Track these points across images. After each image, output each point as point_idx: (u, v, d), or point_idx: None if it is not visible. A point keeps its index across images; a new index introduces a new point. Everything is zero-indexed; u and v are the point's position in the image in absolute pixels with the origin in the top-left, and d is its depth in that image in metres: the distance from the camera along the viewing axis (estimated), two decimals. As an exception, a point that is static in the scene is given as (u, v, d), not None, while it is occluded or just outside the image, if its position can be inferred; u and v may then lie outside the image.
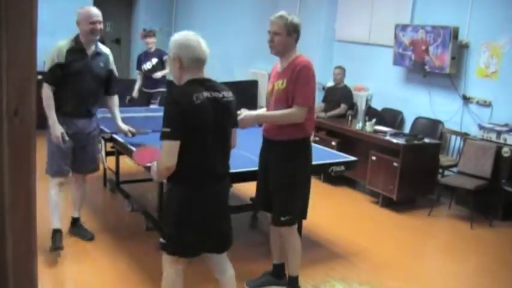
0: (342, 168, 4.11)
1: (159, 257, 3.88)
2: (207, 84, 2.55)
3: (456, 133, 5.96)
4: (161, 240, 2.64)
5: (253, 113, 3.22)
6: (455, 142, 6.00)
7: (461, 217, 5.28)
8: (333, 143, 5.86)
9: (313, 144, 4.76)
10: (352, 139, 5.87)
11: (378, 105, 6.81)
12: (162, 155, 2.44)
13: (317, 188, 5.78)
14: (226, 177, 2.68)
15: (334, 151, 4.73)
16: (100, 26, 3.71)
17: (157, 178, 2.64)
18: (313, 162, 4.16)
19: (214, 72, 10.08)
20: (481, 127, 5.45)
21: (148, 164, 2.77)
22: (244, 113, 3.14)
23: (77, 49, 3.70)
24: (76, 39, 3.73)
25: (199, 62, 2.54)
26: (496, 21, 5.61)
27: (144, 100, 6.86)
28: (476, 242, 4.74)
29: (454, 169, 5.72)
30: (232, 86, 9.26)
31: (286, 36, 3.10)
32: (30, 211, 1.06)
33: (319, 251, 4.29)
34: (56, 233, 3.76)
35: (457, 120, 6.02)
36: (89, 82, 3.73)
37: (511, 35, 5.47)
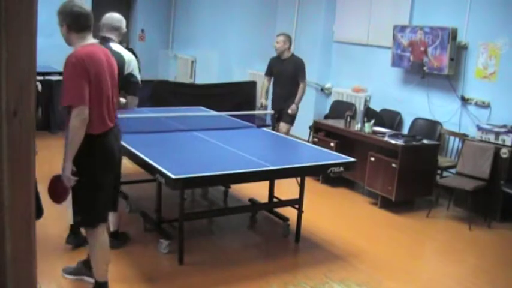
0: (341, 169, 4.11)
1: (157, 257, 3.90)
2: None
3: (455, 134, 5.96)
4: None
5: (65, 164, 2.90)
6: (453, 143, 6.01)
7: (460, 218, 5.28)
8: (332, 144, 5.86)
9: (311, 145, 4.79)
10: (350, 140, 5.87)
11: (376, 106, 6.81)
12: None
13: (315, 189, 5.81)
14: None
15: (333, 152, 4.73)
16: None
17: None
18: (312, 163, 4.19)
19: (213, 72, 10.08)
20: (479, 128, 5.46)
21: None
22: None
23: None
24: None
25: None
26: (495, 22, 5.62)
27: None
28: (474, 243, 4.74)
29: (453, 170, 5.73)
30: (231, 86, 9.26)
31: (60, 28, 2.98)
32: (30, 211, 1.06)
33: (317, 252, 4.29)
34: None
35: (456, 121, 6.03)
36: None
37: (509, 36, 5.47)
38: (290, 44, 6.25)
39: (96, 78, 2.89)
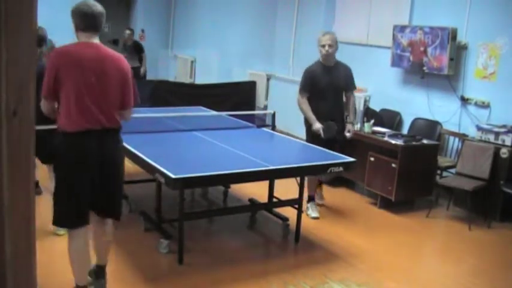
0: (340, 169, 4.11)
1: (157, 257, 3.90)
2: None
3: (454, 134, 5.96)
4: None
5: None
6: (453, 143, 6.01)
7: (460, 218, 5.28)
8: (332, 144, 5.85)
9: (311, 145, 4.78)
10: (350, 140, 5.86)
11: (376, 106, 6.81)
12: None
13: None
14: None
15: (333, 152, 4.72)
16: None
17: None
18: (312, 163, 4.18)
19: (213, 72, 10.08)
20: (479, 128, 5.46)
21: None
22: None
23: None
24: None
25: None
26: (495, 22, 5.62)
27: None
28: (474, 243, 4.74)
29: (453, 170, 5.73)
30: (231, 86, 9.23)
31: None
32: (29, 211, 1.06)
33: (317, 252, 4.29)
34: None
35: (455, 121, 6.03)
36: None
37: (509, 36, 5.47)
38: None
39: (66, 75, 2.84)
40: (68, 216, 3.00)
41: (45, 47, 4.08)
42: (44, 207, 4.19)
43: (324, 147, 4.58)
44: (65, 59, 2.87)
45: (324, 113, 4.87)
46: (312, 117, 4.87)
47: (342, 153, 4.40)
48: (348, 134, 5.05)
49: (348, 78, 5.02)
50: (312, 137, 4.92)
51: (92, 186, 3.00)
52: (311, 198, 5.11)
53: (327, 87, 4.88)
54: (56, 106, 2.97)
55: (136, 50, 9.31)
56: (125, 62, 3.08)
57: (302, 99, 4.94)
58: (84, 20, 2.94)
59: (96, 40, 2.99)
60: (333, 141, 4.83)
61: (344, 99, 5.15)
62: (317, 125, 4.83)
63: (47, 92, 2.88)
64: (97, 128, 2.93)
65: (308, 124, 4.99)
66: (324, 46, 4.86)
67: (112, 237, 3.33)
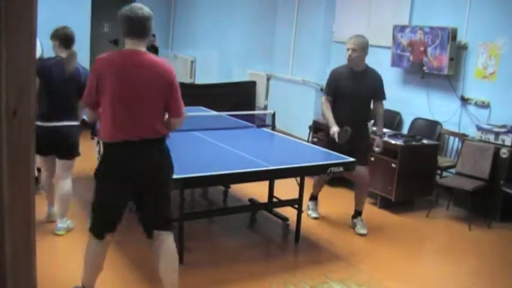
0: (340, 169, 4.11)
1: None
2: None
3: (454, 134, 5.97)
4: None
5: None
6: (453, 143, 6.01)
7: (460, 218, 5.28)
8: (332, 144, 5.84)
9: (311, 145, 4.78)
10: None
11: (376, 106, 6.80)
12: None
13: (315, 189, 5.79)
14: None
15: (333, 152, 4.72)
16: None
17: None
18: (312, 163, 4.18)
19: (213, 72, 10.06)
20: (479, 128, 5.46)
21: None
22: None
23: None
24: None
25: None
26: (495, 22, 5.62)
27: None
28: (474, 243, 4.74)
29: (453, 170, 5.73)
30: (231, 86, 9.20)
31: None
32: (29, 211, 1.06)
33: (317, 252, 4.29)
34: None
35: (455, 121, 6.03)
36: None
37: (509, 36, 5.47)
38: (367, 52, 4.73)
39: (105, 84, 2.75)
40: (98, 224, 2.98)
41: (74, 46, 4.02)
42: (44, 207, 4.20)
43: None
44: (104, 67, 2.77)
45: (345, 119, 4.49)
46: (330, 119, 4.53)
47: (365, 164, 4.55)
48: (376, 149, 4.81)
49: (376, 86, 4.70)
50: (328, 142, 4.70)
51: (130, 197, 2.97)
52: (313, 197, 5.13)
53: (351, 92, 4.57)
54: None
55: (154, 52, 9.39)
56: (168, 69, 2.86)
57: (325, 101, 4.66)
58: (129, 26, 2.79)
59: (142, 47, 2.84)
60: (351, 151, 4.37)
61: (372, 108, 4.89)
62: (334, 129, 4.46)
63: (88, 99, 2.86)
64: (134, 140, 2.79)
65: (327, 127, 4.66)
66: (347, 50, 4.69)
67: (175, 260, 3.07)
